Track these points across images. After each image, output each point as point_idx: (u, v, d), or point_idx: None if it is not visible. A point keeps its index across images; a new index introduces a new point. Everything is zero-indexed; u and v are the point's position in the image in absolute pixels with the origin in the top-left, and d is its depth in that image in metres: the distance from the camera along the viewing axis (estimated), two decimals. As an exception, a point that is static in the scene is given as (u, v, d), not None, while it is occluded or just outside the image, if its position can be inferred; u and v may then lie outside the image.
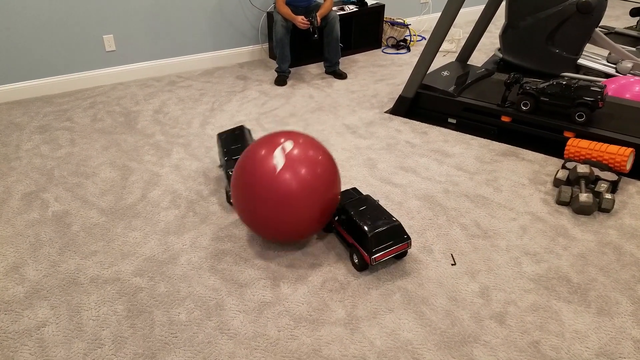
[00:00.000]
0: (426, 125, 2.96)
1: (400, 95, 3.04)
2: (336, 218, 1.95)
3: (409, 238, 1.80)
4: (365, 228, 1.76)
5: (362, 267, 1.81)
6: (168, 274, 1.83)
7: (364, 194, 2.19)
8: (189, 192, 2.33)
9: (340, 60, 3.72)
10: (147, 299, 1.73)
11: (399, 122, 3.00)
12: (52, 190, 2.35)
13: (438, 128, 2.92)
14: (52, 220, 2.15)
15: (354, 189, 2.09)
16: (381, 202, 2.23)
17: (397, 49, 4.32)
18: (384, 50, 4.33)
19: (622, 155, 2.31)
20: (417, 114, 3.03)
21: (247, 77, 3.76)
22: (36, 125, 3.00)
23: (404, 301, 1.70)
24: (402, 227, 1.80)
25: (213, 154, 2.67)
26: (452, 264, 1.85)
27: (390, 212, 1.98)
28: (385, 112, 3.12)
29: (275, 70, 3.62)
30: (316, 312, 1.67)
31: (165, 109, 3.22)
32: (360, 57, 4.18)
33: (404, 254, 1.88)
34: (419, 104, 3.03)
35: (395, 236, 1.78)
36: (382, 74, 3.78)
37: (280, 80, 3.58)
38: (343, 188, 2.34)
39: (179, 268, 1.86)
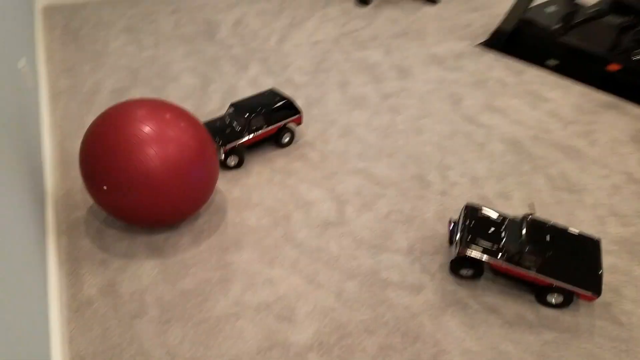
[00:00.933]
0: (523, 64, 2.71)
1: (497, 28, 2.80)
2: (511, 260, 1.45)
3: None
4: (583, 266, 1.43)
5: (565, 304, 1.46)
6: (242, 183, 1.87)
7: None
8: (265, 107, 2.32)
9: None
10: (221, 201, 1.79)
11: (492, 57, 2.78)
12: (138, 89, 2.42)
13: (536, 69, 2.68)
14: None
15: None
16: (462, 143, 2.10)
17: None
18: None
19: None
20: (514, 51, 2.78)
21: (331, -6, 3.59)
22: (123, 25, 3.05)
23: (472, 244, 1.66)
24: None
25: (289, 72, 2.61)
26: (530, 213, 1.75)
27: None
28: (478, 45, 2.89)
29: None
30: (378, 239, 1.67)
31: (245, 21, 3.15)
32: (456, -17, 3.86)
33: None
34: (518, 39, 2.77)
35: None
36: (480, 2, 3.47)
37: None
38: (414, 126, 2.23)
39: (252, 179, 1.89)
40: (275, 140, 2.05)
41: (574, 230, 1.51)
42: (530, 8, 2.81)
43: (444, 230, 1.71)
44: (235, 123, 1.92)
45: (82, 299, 1.45)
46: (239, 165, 1.94)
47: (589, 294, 1.39)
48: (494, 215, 1.56)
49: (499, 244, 1.47)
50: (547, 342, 1.38)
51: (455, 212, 1.78)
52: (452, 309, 1.46)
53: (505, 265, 1.44)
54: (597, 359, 1.35)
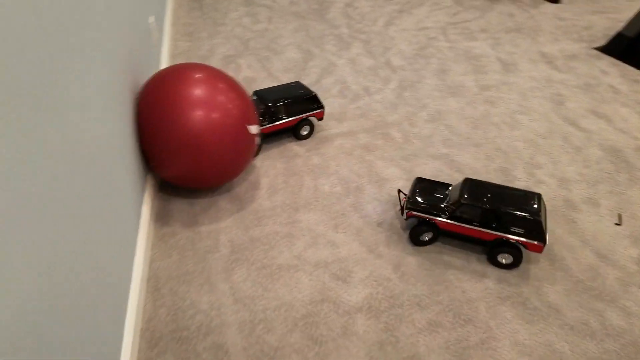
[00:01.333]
0: (641, 72, 2.51)
1: (619, 32, 2.60)
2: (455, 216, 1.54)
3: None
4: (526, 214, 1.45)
5: (515, 264, 1.51)
6: (322, 152, 1.95)
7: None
8: (357, 87, 2.37)
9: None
10: (301, 166, 1.88)
11: (608, 62, 2.59)
12: (246, 57, 2.59)
13: (655, 79, 2.47)
14: (242, 81, 2.40)
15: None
16: (558, 144, 2.00)
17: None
18: (618, -20, 3.67)
19: None
20: (634, 58, 2.57)
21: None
22: (243, -2, 3.27)
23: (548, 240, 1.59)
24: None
25: (389, 55, 2.64)
26: (616, 224, 1.64)
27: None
28: (595, 48, 2.71)
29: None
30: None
31: (357, 3, 3.22)
32: (585, -16, 3.61)
33: None
34: (640, 46, 2.56)
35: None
36: (606, 5, 3.23)
37: (482, -7, 3.30)
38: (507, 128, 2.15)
39: (333, 150, 1.97)
40: (293, 132, 2.02)
41: (514, 187, 1.55)
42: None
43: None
44: (257, 110, 1.85)
45: (167, 230, 1.62)
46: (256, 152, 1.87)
47: (534, 243, 1.43)
48: (439, 183, 1.64)
49: (442, 203, 1.55)
50: (608, 351, 1.30)
51: (534, 210, 1.71)
52: (511, 301, 1.42)
53: (449, 222, 1.52)
54: (664, 383, 1.24)
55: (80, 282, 0.90)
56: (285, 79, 2.41)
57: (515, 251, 1.46)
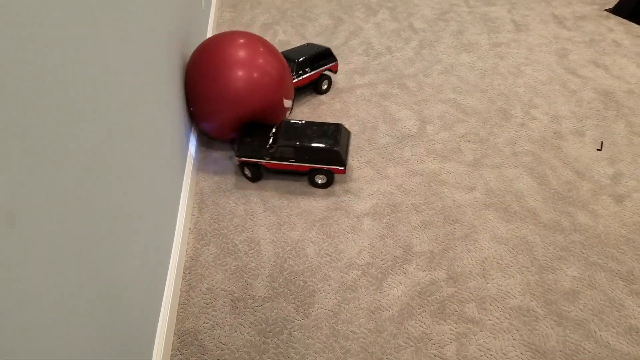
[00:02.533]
0: (648, 29, 2.66)
1: (628, -8, 2.75)
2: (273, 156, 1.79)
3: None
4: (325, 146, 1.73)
5: (329, 183, 1.81)
6: (344, 99, 2.25)
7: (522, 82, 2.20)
8: (380, 47, 2.65)
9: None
10: (325, 110, 2.19)
11: (616, 21, 2.75)
12: (282, 24, 2.92)
13: (660, 33, 2.61)
14: (277, 44, 2.73)
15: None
16: (555, 89, 2.22)
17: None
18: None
19: None
20: (642, 17, 2.72)
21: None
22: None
23: (532, 160, 1.83)
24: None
25: (412, 19, 2.90)
26: (597, 149, 1.86)
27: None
28: (605, 10, 2.86)
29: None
30: (448, 152, 1.93)
31: (386, -24, 3.49)
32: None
33: None
34: (649, 5, 2.70)
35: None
36: (626, -29, 3.35)
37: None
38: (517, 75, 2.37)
39: (354, 97, 2.26)
40: (314, 88, 2.30)
41: (320, 121, 1.85)
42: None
43: (510, 151, 1.90)
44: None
45: (210, 158, 1.96)
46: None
47: (336, 168, 1.75)
48: (263, 126, 1.87)
49: (265, 147, 1.79)
50: (574, 242, 1.54)
51: (526, 140, 1.95)
52: (495, 207, 1.68)
53: (273, 163, 1.80)
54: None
55: (144, 194, 1.25)
56: (316, 41, 2.72)
57: (327, 174, 1.77)
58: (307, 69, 2.21)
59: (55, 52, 0.74)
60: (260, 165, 1.83)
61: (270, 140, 1.81)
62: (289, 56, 2.20)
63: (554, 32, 2.67)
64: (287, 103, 1.91)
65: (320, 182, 1.82)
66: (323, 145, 1.73)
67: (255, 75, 1.80)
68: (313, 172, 1.80)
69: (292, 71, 2.17)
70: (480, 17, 2.86)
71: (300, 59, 2.17)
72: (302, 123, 1.82)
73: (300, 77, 2.18)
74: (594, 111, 2.08)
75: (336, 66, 2.30)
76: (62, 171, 0.74)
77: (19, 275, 0.61)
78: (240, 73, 1.78)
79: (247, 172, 1.86)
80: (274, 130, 1.85)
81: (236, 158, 1.84)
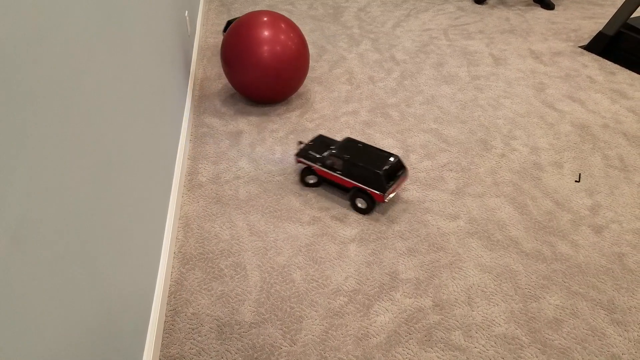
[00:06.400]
0: (618, 67, 2.79)
1: (599, 32, 2.89)
2: (326, 165, 1.86)
3: (405, 168, 1.84)
4: (373, 168, 1.75)
5: (370, 209, 1.80)
6: (329, 126, 2.28)
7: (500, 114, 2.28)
8: (363, 76, 2.70)
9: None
10: (310, 136, 2.21)
11: (590, 58, 2.88)
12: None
13: (629, 72, 2.73)
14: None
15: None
16: (534, 121, 2.30)
17: (627, -8, 3.90)
18: (610, -9, 3.96)
19: None
20: (613, 55, 2.86)
21: (452, -6, 3.88)
22: (267, 4, 3.65)
23: (513, 190, 1.88)
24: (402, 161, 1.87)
25: (393, 50, 2.97)
26: (575, 181, 1.92)
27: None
28: (580, 46, 3.00)
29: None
30: (431, 180, 1.96)
31: (369, 8, 3.58)
32: (580, -6, 3.91)
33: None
34: (619, 44, 2.84)
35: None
36: (595, 12, 3.53)
37: (480, -1, 3.62)
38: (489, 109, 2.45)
39: (339, 124, 2.29)
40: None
41: (381, 148, 1.95)
42: (636, 17, 2.85)
43: (492, 180, 1.95)
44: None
45: (195, 182, 1.95)
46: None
47: (376, 193, 1.75)
48: (331, 141, 1.99)
49: (321, 154, 1.90)
50: (555, 271, 1.57)
51: (507, 170, 2.00)
52: (478, 235, 1.71)
53: (321, 169, 1.87)
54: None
55: (128, 215, 1.24)
56: (300, 68, 2.76)
57: (367, 197, 1.78)
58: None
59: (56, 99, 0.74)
60: (314, 172, 1.91)
61: (328, 149, 1.92)
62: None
63: (531, 67, 2.77)
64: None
65: (360, 205, 1.82)
66: (368, 166, 1.75)
67: (278, 48, 2.19)
68: (355, 194, 1.81)
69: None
70: (460, 51, 2.96)
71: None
72: (363, 144, 1.88)
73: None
74: (572, 144, 2.16)
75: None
76: (60, 195, 0.73)
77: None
78: (266, 48, 2.19)
79: (308, 179, 1.93)
80: (337, 144, 1.92)
81: (295, 157, 2.00)
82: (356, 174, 1.79)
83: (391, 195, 1.77)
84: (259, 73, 2.21)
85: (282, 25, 2.23)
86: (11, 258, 0.58)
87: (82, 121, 0.85)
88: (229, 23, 2.76)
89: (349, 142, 1.90)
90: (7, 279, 0.57)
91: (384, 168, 1.75)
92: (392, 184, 1.77)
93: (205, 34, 3.15)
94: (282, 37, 2.20)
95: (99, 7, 1.02)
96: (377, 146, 2.13)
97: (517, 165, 2.04)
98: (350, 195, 1.84)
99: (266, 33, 2.18)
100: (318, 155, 1.91)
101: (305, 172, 1.94)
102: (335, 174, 1.85)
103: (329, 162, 1.85)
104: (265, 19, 2.22)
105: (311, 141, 2.00)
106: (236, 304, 1.45)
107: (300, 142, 2.02)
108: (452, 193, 1.90)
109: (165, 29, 1.86)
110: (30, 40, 0.67)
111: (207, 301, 1.46)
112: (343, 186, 1.87)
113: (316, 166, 1.89)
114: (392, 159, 1.80)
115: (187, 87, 2.37)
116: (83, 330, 0.80)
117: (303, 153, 1.93)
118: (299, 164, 2.02)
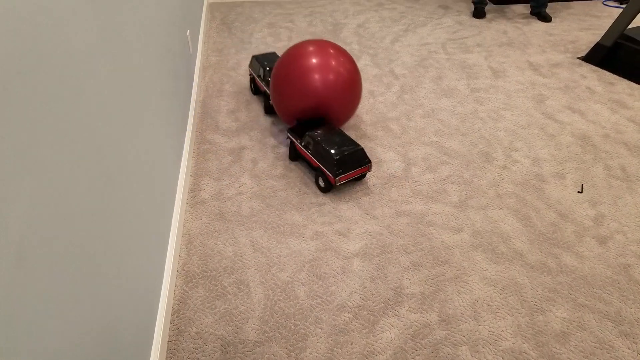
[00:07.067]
0: (617, 77, 2.80)
1: (597, 43, 2.91)
2: (302, 144, 2.05)
3: (369, 162, 1.95)
4: (332, 152, 1.89)
5: (327, 189, 1.96)
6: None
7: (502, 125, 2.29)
8: (364, 91, 2.72)
9: (548, 3, 3.60)
10: (309, 150, 2.21)
11: (588, 69, 2.89)
12: (265, 68, 2.97)
13: (628, 82, 2.75)
14: (259, 87, 2.77)
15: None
16: (535, 133, 2.31)
17: (620, 3, 3.93)
18: (605, 2, 3.99)
19: None
20: (611, 65, 2.87)
21: (449, 7, 3.91)
22: (267, 21, 3.69)
23: (516, 202, 1.87)
24: (364, 152, 1.94)
25: (393, 65, 2.99)
26: (578, 192, 1.91)
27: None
28: (578, 58, 3.02)
29: (472, 2, 3.69)
30: (434, 193, 1.96)
31: (367, 24, 3.61)
32: (576, 5, 3.94)
33: (363, 176, 2.04)
34: (617, 55, 2.85)
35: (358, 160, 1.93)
36: (592, 23, 3.56)
37: (478, 13, 3.64)
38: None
39: (339, 138, 2.29)
40: None
41: (351, 139, 1.98)
42: (636, 27, 2.87)
43: (494, 192, 1.94)
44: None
45: (198, 198, 1.95)
46: None
47: (330, 175, 1.89)
48: (319, 121, 2.09)
49: (303, 133, 2.03)
50: (561, 283, 1.56)
51: (509, 182, 2.00)
52: (482, 248, 1.70)
53: (300, 148, 2.05)
54: (608, 310, 1.49)
55: (130, 233, 1.24)
56: (301, 84, 2.77)
57: (325, 179, 1.93)
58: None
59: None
60: (296, 149, 2.10)
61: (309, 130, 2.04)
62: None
63: (530, 79, 2.78)
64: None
65: (320, 184, 1.98)
66: (329, 149, 1.89)
67: (331, 77, 2.06)
68: (318, 173, 1.97)
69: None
70: (459, 64, 2.98)
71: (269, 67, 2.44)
72: (338, 130, 2.02)
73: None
74: (573, 155, 2.16)
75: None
76: (63, 215, 0.73)
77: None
78: (317, 76, 2.06)
79: (320, 181, 2.00)
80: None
81: (287, 133, 2.14)
82: (319, 155, 1.95)
83: (343, 181, 1.91)
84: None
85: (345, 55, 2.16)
86: (15, 281, 0.58)
87: (84, 139, 0.86)
88: (255, 58, 2.65)
89: (330, 128, 2.03)
90: (10, 304, 0.56)
91: (344, 154, 1.88)
92: (345, 171, 1.90)
93: (207, 52, 3.17)
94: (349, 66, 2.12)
95: (102, 28, 1.03)
96: (376, 156, 2.14)
97: (519, 176, 2.03)
98: (315, 176, 2.01)
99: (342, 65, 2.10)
100: (300, 133, 2.07)
101: (292, 147, 2.14)
102: (307, 153, 2.03)
103: (304, 141, 2.03)
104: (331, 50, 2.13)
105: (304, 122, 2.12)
106: (240, 322, 1.44)
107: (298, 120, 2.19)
108: (455, 206, 1.89)
109: (168, 47, 1.88)
110: (32, 66, 0.67)
111: (211, 320, 1.45)
112: (310, 165, 2.06)
113: (297, 144, 2.09)
114: (355, 148, 1.91)
115: (189, 105, 2.38)
116: (86, 351, 0.79)
117: (292, 130, 2.10)
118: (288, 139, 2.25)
